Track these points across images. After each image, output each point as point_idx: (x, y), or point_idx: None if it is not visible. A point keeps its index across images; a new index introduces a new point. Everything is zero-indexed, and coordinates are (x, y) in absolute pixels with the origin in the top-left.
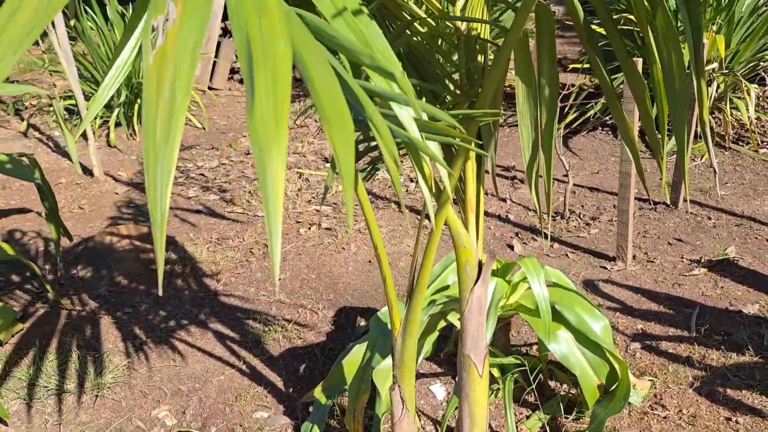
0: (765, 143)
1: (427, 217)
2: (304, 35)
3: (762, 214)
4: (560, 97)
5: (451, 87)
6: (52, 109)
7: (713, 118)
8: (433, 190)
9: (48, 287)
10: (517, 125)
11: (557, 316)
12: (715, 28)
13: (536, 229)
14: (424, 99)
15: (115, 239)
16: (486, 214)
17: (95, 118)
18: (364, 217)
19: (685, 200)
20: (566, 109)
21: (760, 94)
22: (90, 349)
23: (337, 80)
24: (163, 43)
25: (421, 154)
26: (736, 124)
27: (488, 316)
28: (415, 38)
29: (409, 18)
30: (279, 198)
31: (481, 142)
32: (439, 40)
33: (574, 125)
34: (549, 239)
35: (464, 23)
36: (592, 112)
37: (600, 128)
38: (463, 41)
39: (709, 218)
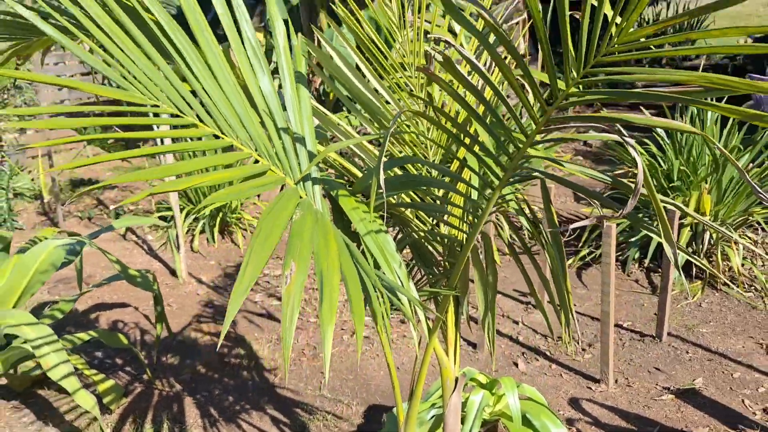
0: (752, 288)
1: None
2: (348, 262)
3: (734, 352)
4: (575, 235)
5: (438, 257)
6: (147, 214)
7: (709, 261)
8: (425, 330)
9: (147, 370)
10: (535, 254)
11: (527, 422)
12: (707, 185)
13: (540, 351)
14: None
15: (198, 335)
16: (499, 333)
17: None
18: (380, 337)
19: (669, 334)
20: (579, 245)
21: (758, 240)
22: (176, 422)
23: (360, 286)
24: (289, 282)
25: (414, 309)
26: (727, 269)
27: (474, 419)
28: (416, 235)
29: (411, 220)
30: (328, 351)
31: (457, 293)
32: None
33: (587, 258)
34: (549, 361)
35: (446, 228)
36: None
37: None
38: (447, 243)
39: (687, 352)
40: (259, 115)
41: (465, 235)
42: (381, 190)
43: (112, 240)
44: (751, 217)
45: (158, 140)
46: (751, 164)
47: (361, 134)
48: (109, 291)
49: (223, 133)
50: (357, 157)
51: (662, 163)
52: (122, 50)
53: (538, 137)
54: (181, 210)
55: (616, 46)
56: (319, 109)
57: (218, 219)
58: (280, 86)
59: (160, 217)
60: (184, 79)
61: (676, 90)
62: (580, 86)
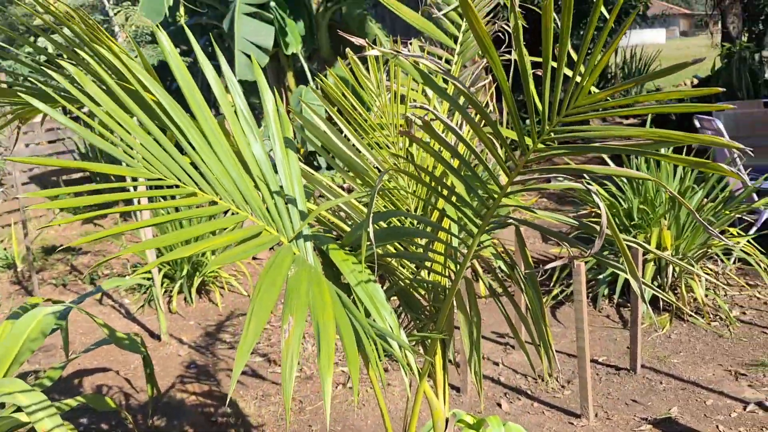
0: (717, 317)
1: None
2: (341, 313)
3: (705, 380)
4: (546, 275)
5: (425, 303)
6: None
7: (675, 294)
8: (416, 373)
9: None
10: (513, 294)
11: None
12: (666, 222)
13: (522, 390)
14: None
15: (184, 395)
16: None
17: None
18: (372, 384)
19: (643, 366)
20: (551, 285)
21: (719, 271)
22: None
23: (353, 336)
24: (288, 335)
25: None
26: (692, 300)
27: None
28: (402, 284)
29: (397, 269)
30: (328, 399)
31: (445, 336)
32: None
33: (559, 297)
34: (531, 399)
35: (429, 274)
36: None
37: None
38: (430, 288)
39: (661, 383)
40: (254, 179)
41: (448, 281)
42: (369, 242)
43: (88, 305)
44: (710, 249)
45: (137, 206)
46: (705, 199)
47: (345, 191)
48: (89, 357)
49: (220, 199)
50: (342, 211)
51: (622, 203)
52: (125, 129)
53: (511, 188)
54: (159, 271)
55: (575, 108)
56: (306, 170)
57: (195, 279)
58: (270, 149)
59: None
60: (183, 152)
61: (629, 144)
62: (545, 142)
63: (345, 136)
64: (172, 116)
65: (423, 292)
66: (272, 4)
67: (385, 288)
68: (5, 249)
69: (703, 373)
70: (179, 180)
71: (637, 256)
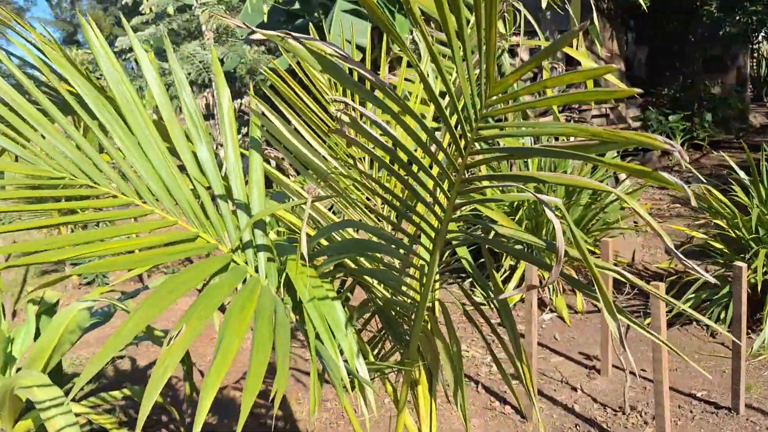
0: None
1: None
2: (271, 333)
3: None
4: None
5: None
6: None
7: None
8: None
9: (182, 429)
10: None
11: None
12: None
13: (596, 422)
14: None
15: (238, 394)
16: (553, 401)
17: None
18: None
19: (748, 406)
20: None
21: None
22: None
23: (288, 356)
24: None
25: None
26: None
27: None
28: (379, 302)
29: (373, 288)
30: (243, 418)
31: (427, 364)
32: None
33: (667, 317)
34: None
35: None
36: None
37: (693, 323)
38: (399, 311)
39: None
40: (192, 182)
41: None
42: (332, 254)
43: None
44: None
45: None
46: None
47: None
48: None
49: (144, 202)
50: (311, 219)
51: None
52: (30, 124)
53: (459, 199)
54: None
55: (492, 98)
56: (273, 174)
57: None
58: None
59: None
60: (103, 150)
61: (569, 144)
62: (480, 144)
63: (300, 133)
64: (95, 113)
65: (395, 312)
66: None
67: (359, 305)
68: None
69: None
70: (92, 180)
71: (740, 276)
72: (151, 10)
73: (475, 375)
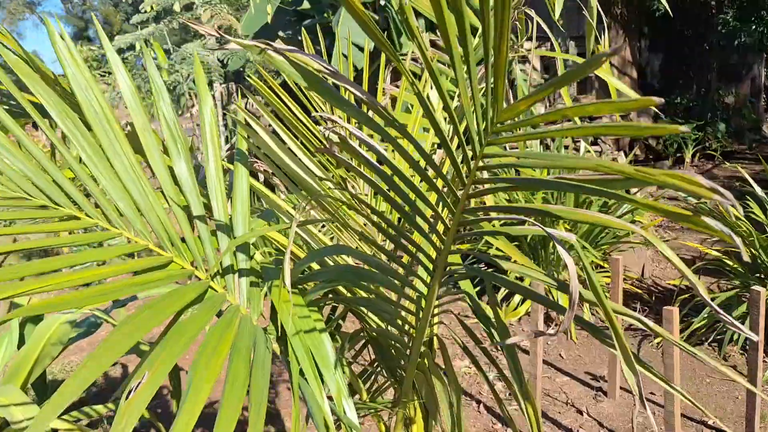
0: None
1: None
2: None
3: None
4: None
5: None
6: None
7: None
8: None
9: None
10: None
11: None
12: None
13: None
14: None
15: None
16: (558, 425)
17: None
18: None
19: None
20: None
21: None
22: None
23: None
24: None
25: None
26: None
27: None
28: (373, 333)
29: (366, 318)
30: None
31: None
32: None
33: (684, 332)
34: None
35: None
36: (696, 325)
37: (705, 343)
38: (393, 345)
39: None
40: (167, 201)
41: (408, 338)
42: (322, 281)
43: None
44: None
45: None
46: None
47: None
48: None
49: (110, 224)
50: (302, 240)
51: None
52: None
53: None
54: None
55: (498, 126)
56: (261, 191)
57: None
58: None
59: None
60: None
61: (589, 178)
62: (486, 173)
63: (289, 148)
64: (56, 120)
65: (390, 347)
66: (382, 1)
67: (349, 335)
68: None
69: None
70: (50, 200)
71: (758, 301)
72: (152, 8)
73: (476, 393)
